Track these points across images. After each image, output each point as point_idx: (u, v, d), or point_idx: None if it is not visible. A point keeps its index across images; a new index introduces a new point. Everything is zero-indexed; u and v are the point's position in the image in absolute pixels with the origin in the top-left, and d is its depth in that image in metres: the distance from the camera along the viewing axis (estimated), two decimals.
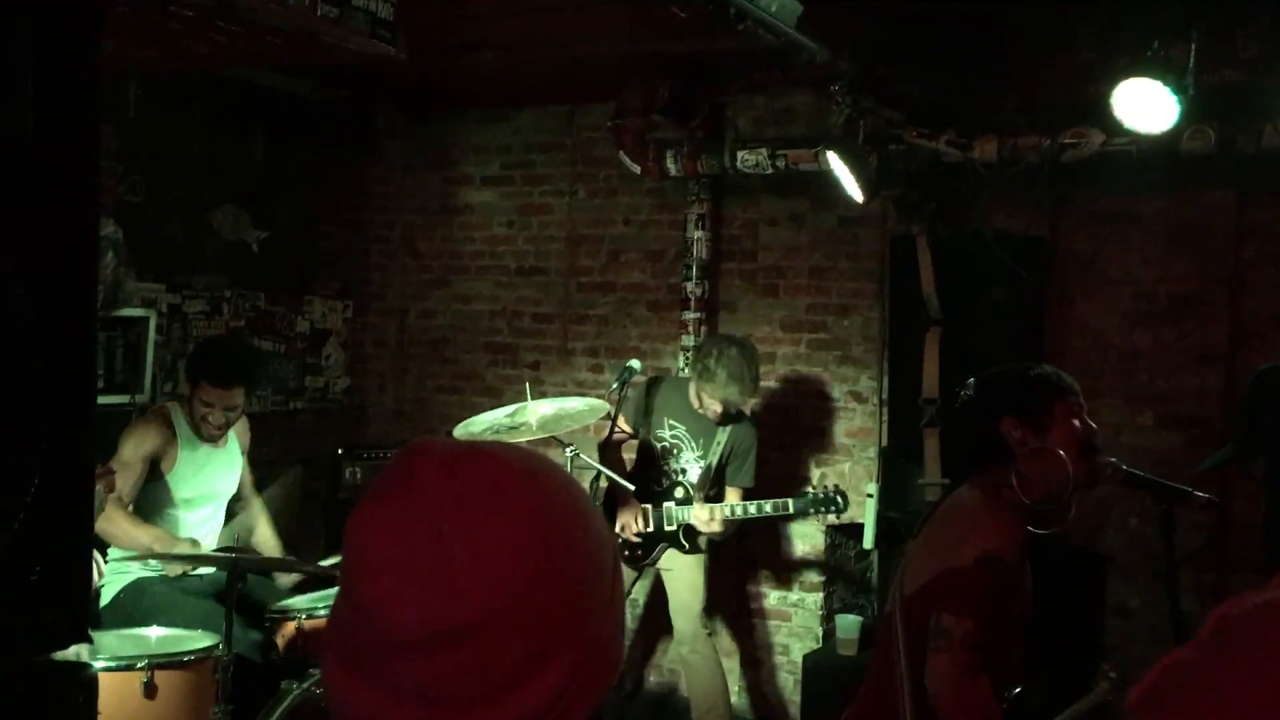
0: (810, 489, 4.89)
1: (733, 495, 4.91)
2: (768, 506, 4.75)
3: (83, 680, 1.28)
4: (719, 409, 4.72)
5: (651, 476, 4.91)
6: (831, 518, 4.89)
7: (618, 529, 4.79)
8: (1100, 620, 4.81)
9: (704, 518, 4.72)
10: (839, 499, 4.74)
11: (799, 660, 5.36)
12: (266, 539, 4.44)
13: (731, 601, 5.73)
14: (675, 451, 4.90)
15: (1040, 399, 2.46)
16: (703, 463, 4.87)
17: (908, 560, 2.49)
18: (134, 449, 4.02)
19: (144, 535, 3.92)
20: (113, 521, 3.84)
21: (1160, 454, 4.80)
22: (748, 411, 4.91)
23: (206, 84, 5.52)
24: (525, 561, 0.86)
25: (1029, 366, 2.57)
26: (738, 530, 5.10)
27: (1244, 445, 4.04)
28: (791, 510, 4.79)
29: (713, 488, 4.91)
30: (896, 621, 2.41)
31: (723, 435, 4.85)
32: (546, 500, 0.90)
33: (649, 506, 4.84)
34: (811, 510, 4.80)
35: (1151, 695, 0.78)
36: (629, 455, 5.10)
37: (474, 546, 0.85)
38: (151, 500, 4.08)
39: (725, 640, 5.70)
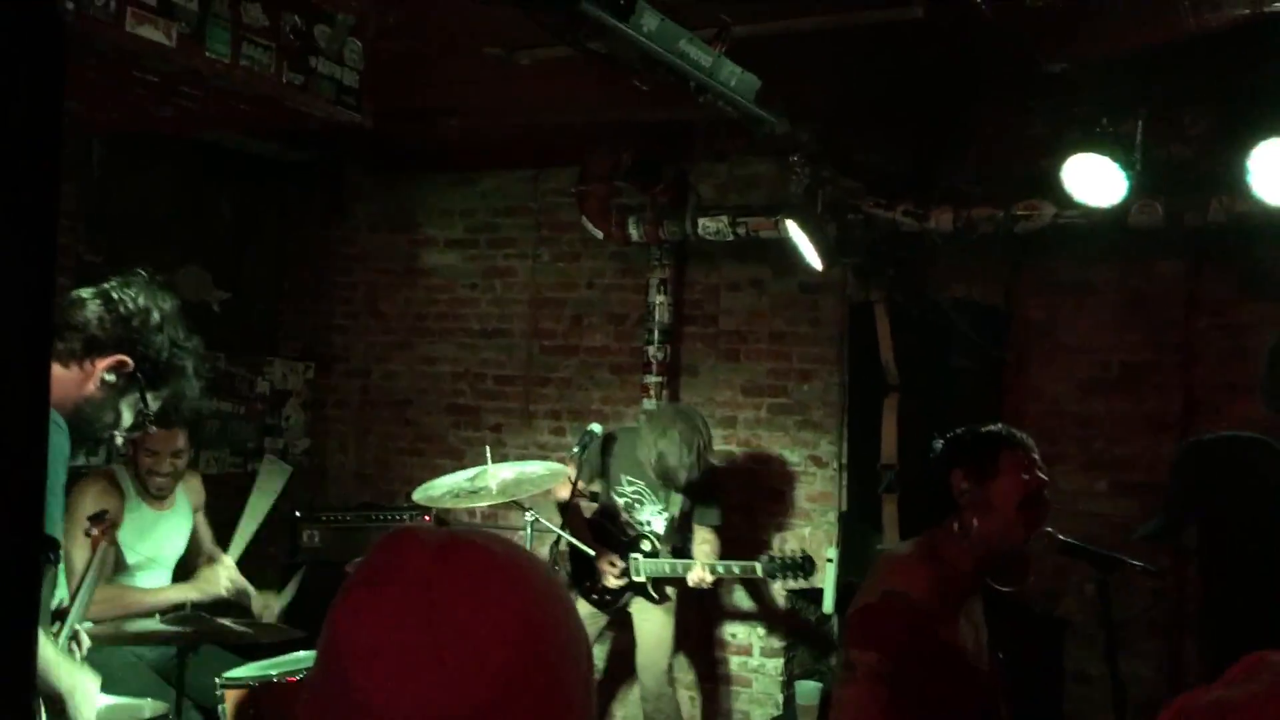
0: (776, 554, 4.89)
1: (703, 533, 4.96)
2: (735, 568, 4.79)
3: None
4: (652, 476, 4.78)
5: (617, 529, 4.96)
6: (795, 582, 4.89)
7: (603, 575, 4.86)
8: (1060, 686, 4.82)
9: (697, 577, 4.74)
10: (805, 563, 4.76)
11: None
12: (237, 582, 4.29)
13: (692, 668, 5.69)
14: (638, 505, 4.96)
15: (987, 450, 2.50)
16: (665, 515, 4.92)
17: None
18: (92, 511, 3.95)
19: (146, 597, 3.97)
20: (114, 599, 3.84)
21: (1115, 520, 4.85)
22: (678, 482, 4.80)
23: (172, 144, 5.53)
24: (518, 652, 0.87)
25: (989, 426, 2.61)
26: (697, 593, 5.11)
27: (1172, 517, 4.11)
28: (759, 573, 4.81)
29: (679, 538, 4.96)
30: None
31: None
32: (533, 590, 0.91)
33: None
34: (778, 574, 4.81)
35: None
36: (590, 514, 5.12)
37: (468, 637, 0.86)
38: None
39: (686, 706, 5.65)
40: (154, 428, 3.97)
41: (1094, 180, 4.01)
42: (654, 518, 4.95)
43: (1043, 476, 2.50)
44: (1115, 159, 3.88)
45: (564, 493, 4.80)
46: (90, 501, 3.94)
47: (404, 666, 0.85)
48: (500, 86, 4.70)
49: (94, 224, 5.26)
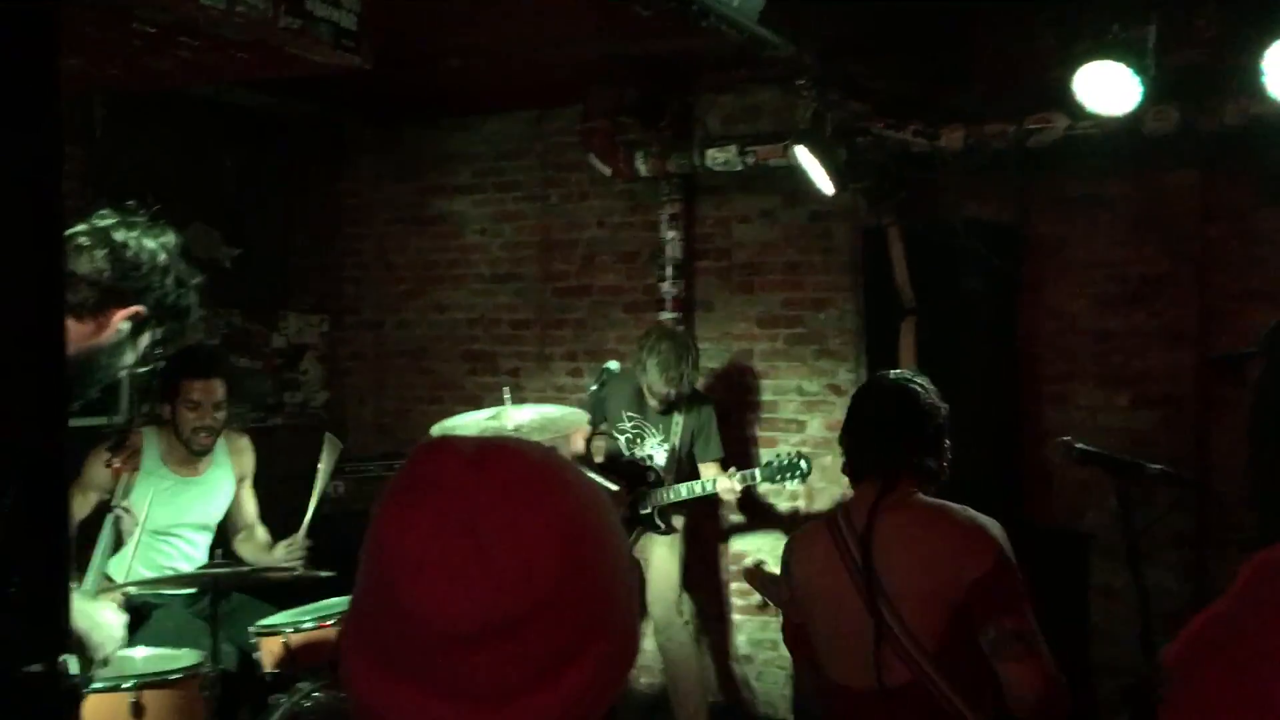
0: (774, 457, 4.87)
1: (711, 469, 4.99)
2: (749, 476, 4.82)
3: (65, 691, 1.27)
4: (655, 401, 4.87)
5: (620, 466, 5.01)
6: (792, 483, 4.87)
7: None
8: (1085, 601, 4.84)
9: (726, 486, 4.80)
10: (803, 463, 4.74)
11: (789, 655, 5.36)
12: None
13: (722, 598, 5.73)
14: (639, 440, 5.02)
15: None
16: (666, 446, 4.98)
17: (884, 569, 2.44)
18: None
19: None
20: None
21: (1136, 434, 4.84)
22: (674, 394, 4.86)
23: (174, 103, 5.49)
24: (561, 553, 0.87)
25: None
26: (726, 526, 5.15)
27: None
28: (759, 479, 4.83)
29: (680, 468, 5.02)
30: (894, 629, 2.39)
31: (679, 417, 4.96)
32: (571, 492, 0.91)
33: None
34: (777, 477, 4.81)
35: (1190, 650, 0.75)
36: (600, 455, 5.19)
37: (511, 540, 0.85)
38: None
39: (717, 637, 5.70)
40: (196, 381, 3.95)
41: (1107, 89, 3.94)
42: (655, 450, 5.01)
43: None
44: (1128, 65, 3.82)
45: (579, 443, 4.87)
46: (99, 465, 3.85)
47: (450, 574, 0.84)
48: (498, 24, 4.65)
49: (99, 187, 5.23)
